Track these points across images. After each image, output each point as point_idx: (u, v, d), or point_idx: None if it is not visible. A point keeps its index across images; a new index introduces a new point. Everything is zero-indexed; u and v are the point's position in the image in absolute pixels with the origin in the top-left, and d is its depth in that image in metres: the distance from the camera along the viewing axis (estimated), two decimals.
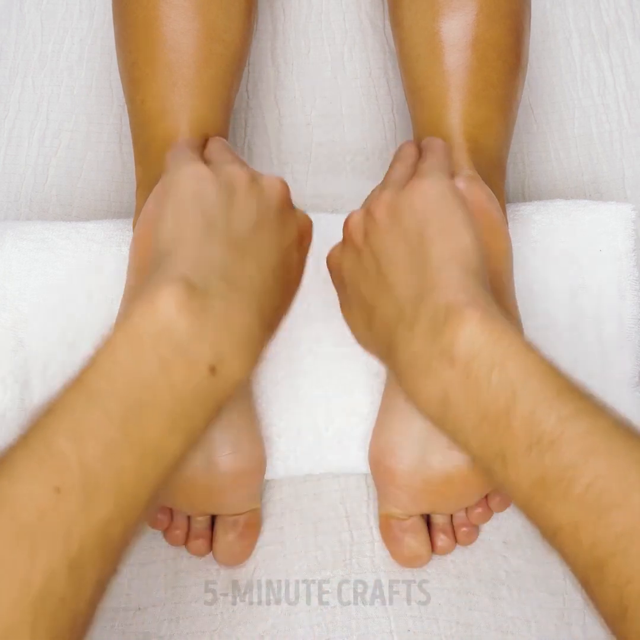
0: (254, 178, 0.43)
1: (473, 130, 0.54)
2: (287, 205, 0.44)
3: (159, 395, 0.34)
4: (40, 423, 0.34)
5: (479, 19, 0.56)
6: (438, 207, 0.42)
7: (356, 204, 0.65)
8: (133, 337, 0.34)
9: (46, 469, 0.32)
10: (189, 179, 0.41)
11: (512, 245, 0.56)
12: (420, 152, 0.50)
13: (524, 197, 0.66)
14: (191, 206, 0.40)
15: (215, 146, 0.51)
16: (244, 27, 0.59)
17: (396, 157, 0.51)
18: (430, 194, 0.42)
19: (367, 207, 0.45)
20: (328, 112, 0.69)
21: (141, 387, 0.34)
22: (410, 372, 0.37)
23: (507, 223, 0.53)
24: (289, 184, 0.66)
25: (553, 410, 0.35)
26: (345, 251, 0.46)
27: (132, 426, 0.33)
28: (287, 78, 0.71)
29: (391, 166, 0.50)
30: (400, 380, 0.40)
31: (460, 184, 0.48)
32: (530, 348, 0.36)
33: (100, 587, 0.33)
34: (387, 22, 0.73)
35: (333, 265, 0.48)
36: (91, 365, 0.34)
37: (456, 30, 0.56)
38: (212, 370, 0.34)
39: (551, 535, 0.36)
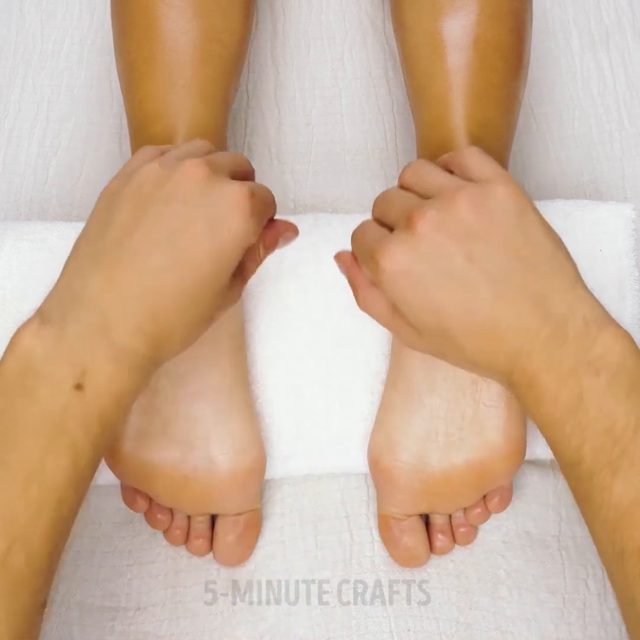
0: (168, 166, 0.42)
1: (476, 129, 0.54)
2: (206, 184, 0.41)
3: (30, 421, 0.37)
4: None
5: (481, 18, 0.56)
6: (535, 215, 0.42)
7: (356, 204, 0.66)
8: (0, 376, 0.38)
9: None
10: (112, 182, 0.43)
11: None
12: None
13: None
14: (92, 216, 0.43)
15: (192, 144, 0.47)
16: (242, 27, 0.60)
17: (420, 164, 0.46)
18: (523, 198, 0.41)
19: (443, 201, 0.41)
20: (328, 112, 0.69)
21: (10, 419, 0.37)
22: (544, 377, 0.39)
23: None
24: (289, 184, 0.67)
25: None
26: (416, 248, 0.40)
27: (7, 453, 0.36)
28: (287, 78, 0.71)
29: (422, 169, 0.45)
30: (523, 383, 0.41)
31: None
32: None
33: (18, 617, 0.35)
34: (387, 22, 0.73)
35: (392, 263, 0.41)
36: None
37: (458, 30, 0.56)
38: (79, 387, 0.37)
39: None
